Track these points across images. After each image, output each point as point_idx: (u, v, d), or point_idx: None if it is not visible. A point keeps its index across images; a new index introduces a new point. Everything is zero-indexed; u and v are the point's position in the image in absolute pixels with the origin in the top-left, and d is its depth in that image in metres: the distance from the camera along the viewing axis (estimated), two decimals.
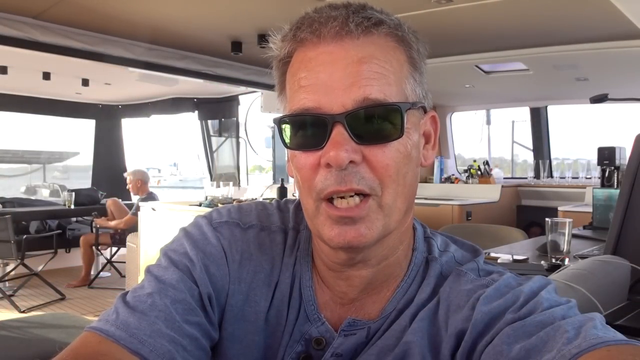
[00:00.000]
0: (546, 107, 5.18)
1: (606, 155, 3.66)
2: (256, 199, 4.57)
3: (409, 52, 0.62)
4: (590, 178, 4.75)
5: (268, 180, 6.90)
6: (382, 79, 0.58)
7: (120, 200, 5.79)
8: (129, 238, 5.01)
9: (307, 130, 0.59)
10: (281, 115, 0.62)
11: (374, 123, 0.58)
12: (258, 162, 7.24)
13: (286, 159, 0.70)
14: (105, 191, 6.38)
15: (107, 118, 6.96)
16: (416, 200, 0.67)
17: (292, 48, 0.62)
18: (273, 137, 6.40)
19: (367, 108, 0.57)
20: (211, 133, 6.50)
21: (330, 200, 0.59)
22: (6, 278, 4.89)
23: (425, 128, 0.66)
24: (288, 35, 0.62)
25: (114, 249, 5.66)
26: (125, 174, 5.71)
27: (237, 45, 3.88)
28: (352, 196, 0.58)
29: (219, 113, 6.35)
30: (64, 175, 7.91)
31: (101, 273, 5.67)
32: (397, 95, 0.59)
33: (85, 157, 7.37)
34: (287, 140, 0.62)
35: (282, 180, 4.65)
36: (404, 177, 0.61)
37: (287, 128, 0.61)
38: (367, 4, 0.61)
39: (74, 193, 5.87)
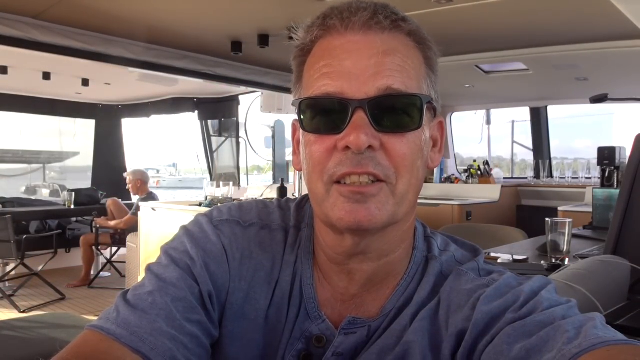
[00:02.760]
0: (546, 107, 5.18)
1: (606, 155, 3.67)
2: (256, 199, 4.57)
3: (427, 53, 0.64)
4: (590, 178, 4.76)
5: (267, 180, 6.90)
6: (404, 72, 0.60)
7: (120, 200, 5.79)
8: (129, 238, 5.01)
9: (328, 114, 0.60)
10: (302, 97, 0.62)
11: (395, 112, 0.59)
12: (257, 162, 7.24)
13: (291, 153, 0.70)
14: (105, 191, 6.38)
15: (107, 118, 6.96)
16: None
17: (317, 35, 0.63)
18: (273, 137, 6.40)
19: (389, 97, 0.59)
20: (211, 133, 6.50)
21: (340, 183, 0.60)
22: (6, 278, 4.89)
23: (433, 132, 0.67)
24: (315, 22, 0.63)
25: (114, 249, 5.66)
26: (125, 174, 5.71)
27: (237, 45, 3.88)
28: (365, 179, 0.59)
29: (219, 113, 6.35)
30: (61, 176, 7.89)
31: (101, 273, 5.67)
32: (416, 88, 0.61)
33: (83, 157, 7.36)
34: (305, 123, 0.62)
35: (282, 180, 4.65)
36: (417, 170, 0.62)
37: (306, 111, 0.62)
38: (390, 5, 0.63)
39: (74, 193, 5.87)
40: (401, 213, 0.62)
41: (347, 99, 0.58)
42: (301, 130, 0.64)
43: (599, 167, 3.80)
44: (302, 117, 0.62)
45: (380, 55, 0.59)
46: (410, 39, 0.63)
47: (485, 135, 6.37)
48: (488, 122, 6.39)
